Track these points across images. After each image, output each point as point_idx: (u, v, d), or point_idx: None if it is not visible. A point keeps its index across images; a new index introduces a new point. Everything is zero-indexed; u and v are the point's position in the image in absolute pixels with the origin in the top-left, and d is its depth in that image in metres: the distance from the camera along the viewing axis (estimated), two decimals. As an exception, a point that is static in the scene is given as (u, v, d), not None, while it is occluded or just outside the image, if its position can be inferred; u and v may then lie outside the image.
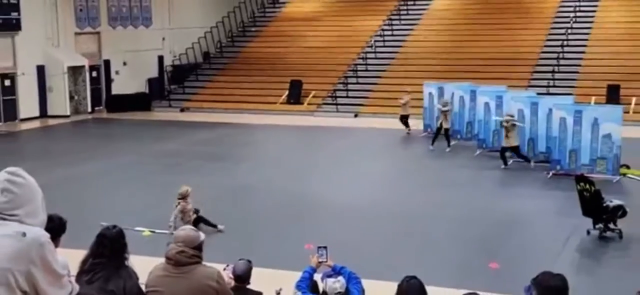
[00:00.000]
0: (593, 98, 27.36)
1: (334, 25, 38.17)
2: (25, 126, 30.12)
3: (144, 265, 5.40)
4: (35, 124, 30.65)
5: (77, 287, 3.77)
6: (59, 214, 5.17)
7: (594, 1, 35.17)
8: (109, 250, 5.10)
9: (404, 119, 25.73)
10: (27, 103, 31.13)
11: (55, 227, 4.76)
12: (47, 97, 31.82)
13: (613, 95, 28.06)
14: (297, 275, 7.47)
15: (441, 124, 22.85)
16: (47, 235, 3.51)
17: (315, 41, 36.88)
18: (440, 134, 22.84)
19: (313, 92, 32.76)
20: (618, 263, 12.74)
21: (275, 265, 11.06)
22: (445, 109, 22.52)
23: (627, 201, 14.18)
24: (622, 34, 32.25)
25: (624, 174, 18.55)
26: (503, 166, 19.91)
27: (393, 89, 29.82)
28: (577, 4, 35.06)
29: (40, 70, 31.61)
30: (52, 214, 4.48)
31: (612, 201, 13.66)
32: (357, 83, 33.11)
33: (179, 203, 14.07)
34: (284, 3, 41.70)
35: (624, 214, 13.53)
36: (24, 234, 3.39)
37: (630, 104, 26.99)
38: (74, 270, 4.85)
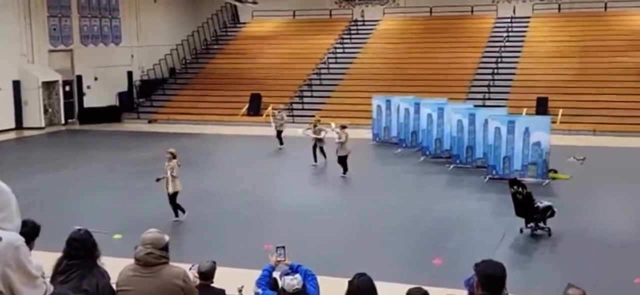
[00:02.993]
0: (524, 109, 27.70)
1: (290, 43, 38.12)
2: (1, 137, 29.43)
3: (114, 267, 5.30)
4: (11, 135, 30.02)
5: (51, 288, 3.68)
6: (33, 218, 5.05)
7: (525, 22, 35.76)
8: (82, 251, 4.98)
9: (279, 135, 24.77)
10: (4, 115, 30.44)
11: (29, 231, 4.64)
12: (22, 110, 31.22)
13: (542, 106, 28.53)
14: (258, 273, 7.42)
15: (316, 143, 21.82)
16: (22, 239, 3.44)
17: (273, 58, 36.78)
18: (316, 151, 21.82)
19: (271, 105, 32.64)
20: (547, 258, 12.93)
21: (237, 264, 10.96)
22: (319, 136, 21.62)
23: (555, 202, 14.38)
24: (550, 52, 32.81)
25: (553, 178, 18.85)
26: (343, 174, 19.57)
27: (345, 102, 29.94)
28: (510, 24, 35.60)
29: (16, 85, 31.03)
30: (26, 219, 4.38)
31: (542, 202, 13.89)
32: (312, 96, 33.13)
33: (177, 162, 14.76)
34: (244, 23, 41.57)
35: (553, 214, 13.76)
36: (0, 239, 3.31)
37: (557, 114, 27.43)
38: (49, 271, 4.74)
